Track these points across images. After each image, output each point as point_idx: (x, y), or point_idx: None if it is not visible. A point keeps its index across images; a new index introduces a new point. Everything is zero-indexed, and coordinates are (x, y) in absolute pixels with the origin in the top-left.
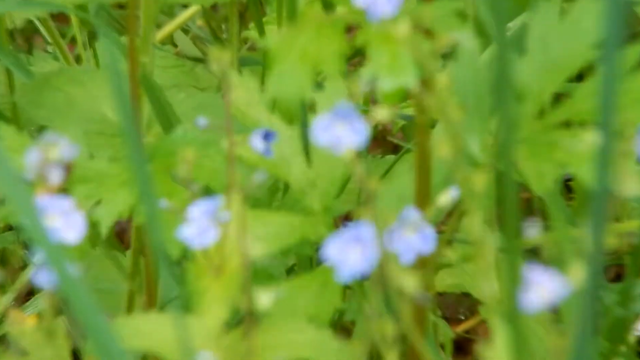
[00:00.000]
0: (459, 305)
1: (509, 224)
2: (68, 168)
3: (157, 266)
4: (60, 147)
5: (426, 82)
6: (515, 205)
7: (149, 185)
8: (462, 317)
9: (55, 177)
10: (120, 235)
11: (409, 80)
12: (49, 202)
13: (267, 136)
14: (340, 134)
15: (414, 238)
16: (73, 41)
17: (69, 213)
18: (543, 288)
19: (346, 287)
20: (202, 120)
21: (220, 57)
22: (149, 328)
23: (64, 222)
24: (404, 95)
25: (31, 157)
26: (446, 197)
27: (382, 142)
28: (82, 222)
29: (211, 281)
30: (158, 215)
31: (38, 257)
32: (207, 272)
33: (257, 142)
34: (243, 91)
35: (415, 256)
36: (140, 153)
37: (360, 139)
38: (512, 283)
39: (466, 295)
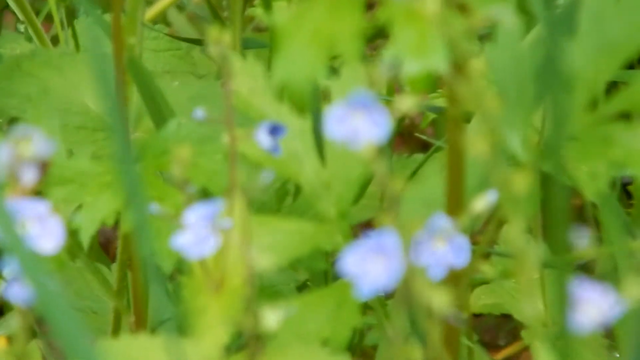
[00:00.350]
0: (498, 329)
1: (556, 234)
2: (43, 167)
3: (147, 281)
4: (34, 142)
5: (459, 68)
6: (563, 212)
7: (137, 187)
8: (502, 343)
9: (29, 177)
10: (105, 246)
11: (439, 64)
12: (21, 205)
13: (275, 130)
14: (358, 126)
15: (444, 250)
16: (49, 19)
17: (45, 219)
18: (594, 307)
19: (366, 306)
20: (199, 113)
21: (220, 39)
22: (138, 353)
23: (40, 228)
24: (433, 83)
25: (0, 154)
26: (482, 203)
27: (408, 139)
28: (61, 229)
29: (210, 299)
30: (148, 222)
31: (10, 268)
32: (205, 288)
33: (262, 137)
34: (246, 78)
35: (445, 271)
36: (127, 150)
37: (381, 132)
38: (560, 303)
39: (507, 317)
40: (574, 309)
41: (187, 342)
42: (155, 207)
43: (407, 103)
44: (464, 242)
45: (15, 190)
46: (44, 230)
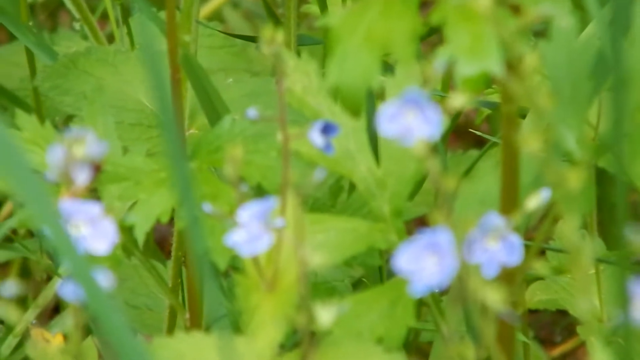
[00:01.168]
0: (554, 325)
1: (612, 230)
2: (97, 167)
3: (201, 279)
4: (87, 143)
5: (513, 66)
6: (620, 208)
7: (189, 185)
8: (558, 339)
9: (82, 177)
10: (160, 243)
11: (493, 64)
12: (74, 206)
13: (328, 129)
14: (411, 124)
15: (497, 248)
16: (104, 17)
17: (98, 219)
18: None
19: (421, 304)
20: (253, 111)
21: (273, 37)
22: (192, 351)
23: (92, 229)
24: (486, 82)
25: (54, 155)
26: (536, 200)
27: (463, 135)
28: (113, 230)
29: (263, 296)
30: (200, 219)
31: (63, 267)
32: (259, 286)
33: (316, 136)
34: (300, 76)
35: (498, 269)
36: (179, 148)
37: (433, 130)
38: (617, 298)
39: (563, 313)
40: (631, 305)
41: (241, 340)
42: (208, 205)
43: (460, 100)
44: (517, 240)
45: (68, 191)
46: (97, 231)
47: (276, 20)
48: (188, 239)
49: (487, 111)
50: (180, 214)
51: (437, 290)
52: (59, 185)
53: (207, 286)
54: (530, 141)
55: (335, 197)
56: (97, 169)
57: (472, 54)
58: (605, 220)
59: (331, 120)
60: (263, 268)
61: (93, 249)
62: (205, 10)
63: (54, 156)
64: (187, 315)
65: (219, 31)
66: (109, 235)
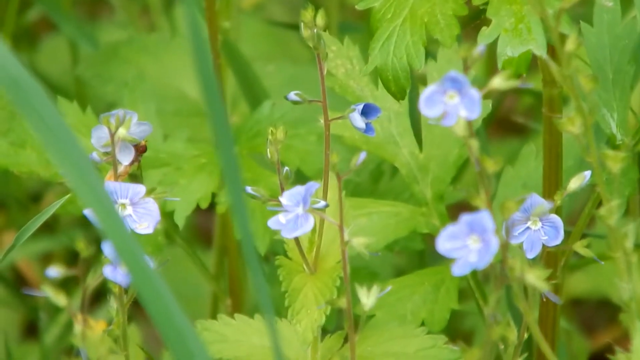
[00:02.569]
0: (598, 313)
1: None
2: (141, 148)
3: (244, 264)
4: (131, 125)
5: (554, 49)
6: None
7: (235, 171)
8: (602, 327)
9: (127, 158)
10: (203, 231)
11: (537, 45)
12: (119, 187)
13: (369, 111)
14: (452, 106)
15: (538, 229)
16: (145, 6)
17: (142, 199)
18: None
19: (466, 290)
20: (293, 94)
21: (313, 22)
22: (234, 333)
23: (137, 209)
24: (527, 64)
25: (99, 135)
26: (577, 182)
27: (505, 123)
28: (157, 210)
29: (306, 279)
30: (244, 205)
31: (109, 250)
32: (301, 269)
33: (357, 118)
34: (343, 61)
35: (540, 250)
36: (226, 134)
37: (474, 112)
38: None
39: (607, 302)
40: None
41: (283, 323)
42: (250, 189)
43: (499, 82)
44: (558, 221)
45: (113, 173)
46: (141, 211)
47: (318, 8)
48: (233, 222)
49: (529, 98)
50: (221, 200)
51: (478, 271)
52: (103, 167)
53: (251, 271)
54: (571, 125)
55: (376, 182)
56: (141, 149)
57: (515, 35)
58: None
59: (371, 103)
60: (305, 251)
61: (138, 229)
62: None
63: (98, 136)
64: (229, 302)
65: (261, 18)
66: (153, 214)
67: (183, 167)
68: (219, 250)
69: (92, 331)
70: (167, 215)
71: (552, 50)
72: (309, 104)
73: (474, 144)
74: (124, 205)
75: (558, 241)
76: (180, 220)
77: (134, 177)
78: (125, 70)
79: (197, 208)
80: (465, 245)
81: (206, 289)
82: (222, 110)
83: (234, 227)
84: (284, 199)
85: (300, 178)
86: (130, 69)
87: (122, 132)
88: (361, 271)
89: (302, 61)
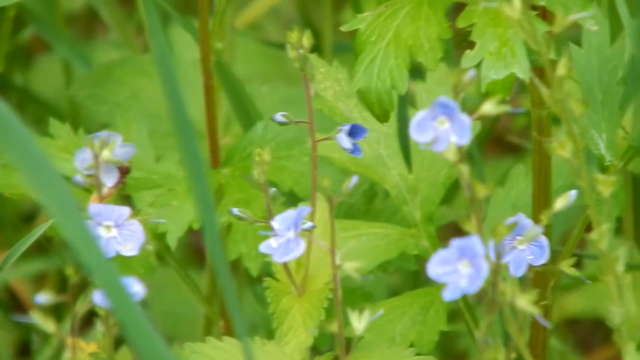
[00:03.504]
0: (593, 333)
1: None
2: (124, 170)
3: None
4: (115, 147)
5: (542, 71)
6: None
7: (207, 193)
8: (597, 347)
9: (111, 180)
10: (198, 251)
11: (521, 72)
12: (104, 209)
13: (356, 132)
14: (441, 131)
15: (526, 248)
16: (140, 27)
17: (127, 221)
18: None
19: (457, 311)
20: (280, 115)
21: (300, 43)
22: (224, 357)
23: (121, 231)
24: (511, 87)
25: (82, 158)
26: (563, 202)
27: (502, 143)
28: (141, 232)
29: (294, 301)
30: (234, 225)
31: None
32: (290, 291)
33: (343, 139)
34: (332, 83)
35: (527, 268)
36: (196, 155)
37: (464, 137)
38: None
39: (603, 321)
40: None
41: (271, 344)
42: (240, 210)
43: (491, 109)
44: (543, 241)
45: (97, 195)
46: (125, 233)
47: (313, 28)
48: (207, 246)
49: (523, 120)
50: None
51: (469, 296)
52: (89, 189)
53: (237, 293)
54: (562, 149)
55: (369, 202)
56: (125, 171)
57: (499, 58)
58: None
59: (357, 123)
60: (293, 273)
61: (122, 251)
62: (243, 18)
63: (82, 159)
64: (222, 323)
65: (256, 39)
66: (138, 236)
67: (175, 188)
68: (212, 271)
69: (83, 354)
70: (160, 236)
71: (541, 73)
72: (301, 125)
73: (465, 169)
74: (108, 227)
75: (543, 260)
76: (172, 241)
77: (125, 198)
78: (119, 90)
79: (192, 228)
80: (456, 270)
81: (200, 310)
82: (190, 132)
83: (226, 248)
84: (275, 223)
85: (293, 199)
86: (124, 89)
87: (106, 154)
88: (355, 292)
89: (299, 82)
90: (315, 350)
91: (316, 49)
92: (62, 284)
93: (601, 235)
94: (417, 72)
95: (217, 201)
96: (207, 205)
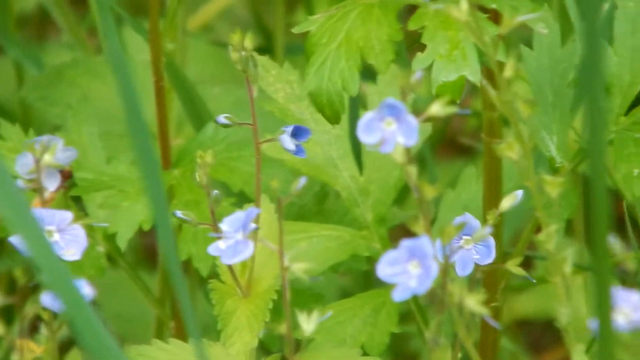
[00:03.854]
0: (545, 334)
1: (596, 238)
2: (66, 174)
3: (179, 287)
4: (56, 150)
5: (492, 74)
6: (604, 215)
7: (162, 194)
8: (549, 347)
9: (52, 185)
10: (150, 252)
11: (470, 71)
12: (45, 213)
13: (300, 133)
14: (389, 132)
15: (471, 249)
16: (93, 29)
17: (69, 226)
18: (631, 309)
19: (409, 310)
20: (222, 118)
21: (242, 44)
22: (170, 358)
23: (64, 236)
24: (461, 89)
25: (23, 163)
26: (509, 202)
27: (454, 144)
28: (84, 236)
29: (239, 302)
30: (184, 227)
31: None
32: (235, 292)
33: (286, 141)
34: (283, 85)
35: (472, 268)
36: (151, 156)
37: (411, 138)
38: (599, 306)
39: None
40: (614, 312)
41: (217, 346)
42: (186, 212)
43: (439, 110)
44: (490, 240)
45: (39, 200)
46: (68, 238)
47: (265, 30)
48: (160, 247)
49: (475, 122)
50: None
51: (420, 297)
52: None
53: (187, 294)
54: (510, 150)
55: (320, 204)
56: (66, 175)
57: (450, 61)
58: (591, 227)
59: (302, 125)
60: (238, 274)
61: (65, 256)
62: (195, 20)
63: (23, 163)
64: (173, 325)
65: (208, 41)
66: (80, 241)
67: (126, 189)
68: (164, 272)
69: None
70: (110, 237)
71: (491, 75)
72: (247, 127)
73: (412, 170)
74: (50, 232)
75: (490, 260)
76: (122, 242)
77: (76, 200)
78: (70, 92)
79: (143, 230)
80: (406, 271)
81: (151, 312)
82: (145, 133)
83: (178, 249)
84: (224, 225)
85: (243, 200)
86: (76, 91)
87: (47, 158)
88: (305, 293)
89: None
90: (266, 351)
91: (268, 50)
92: (11, 286)
93: (549, 236)
94: (369, 74)
95: (168, 202)
96: (160, 206)
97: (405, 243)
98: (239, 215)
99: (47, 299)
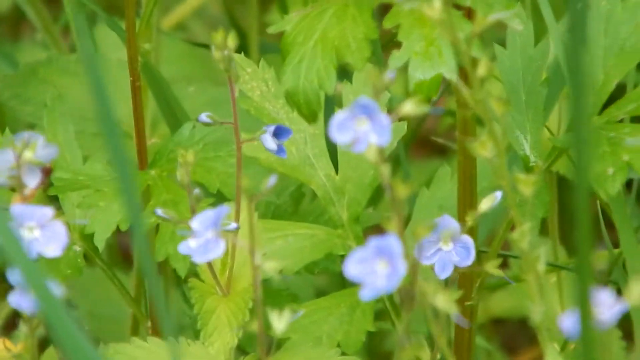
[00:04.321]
0: (520, 333)
1: (572, 237)
2: (47, 171)
3: (164, 286)
4: (37, 148)
5: (466, 72)
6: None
7: (134, 193)
8: (524, 346)
9: (33, 181)
10: (127, 251)
11: (446, 69)
12: (26, 210)
13: (281, 133)
14: (362, 131)
15: (450, 250)
16: (67, 27)
17: (50, 223)
18: (605, 308)
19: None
20: (204, 116)
21: (224, 43)
22: (148, 357)
23: (44, 233)
24: (438, 86)
25: (3, 159)
26: (488, 203)
27: (428, 143)
28: (64, 233)
29: (218, 301)
30: (162, 226)
31: (15, 276)
32: (214, 291)
33: (268, 140)
34: (258, 83)
35: (452, 270)
36: (123, 155)
37: (383, 137)
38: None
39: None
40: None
41: (196, 345)
42: (165, 211)
43: (411, 107)
44: (469, 242)
45: (19, 196)
46: (48, 235)
47: (240, 30)
48: (135, 247)
49: (449, 119)
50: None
51: (387, 295)
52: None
53: (165, 293)
54: (483, 148)
55: (296, 203)
56: (47, 172)
57: (426, 59)
58: (567, 226)
59: (283, 124)
60: (218, 273)
61: (45, 253)
62: (169, 19)
63: (3, 160)
64: (149, 324)
65: (182, 40)
66: (61, 238)
67: (103, 189)
68: (140, 271)
69: (9, 355)
70: (87, 237)
71: (465, 74)
72: (229, 126)
73: (385, 169)
74: (31, 228)
75: (469, 262)
76: (99, 242)
77: (52, 199)
78: (44, 91)
79: (119, 229)
80: (374, 270)
81: (127, 311)
82: (117, 133)
83: (156, 249)
84: (194, 223)
85: (221, 200)
86: (50, 89)
87: (28, 155)
88: (281, 293)
89: (225, 82)
90: (241, 351)
91: (242, 49)
92: None
93: (522, 234)
94: (344, 73)
95: (145, 202)
96: (134, 206)
97: (373, 242)
98: (209, 213)
99: (15, 298)
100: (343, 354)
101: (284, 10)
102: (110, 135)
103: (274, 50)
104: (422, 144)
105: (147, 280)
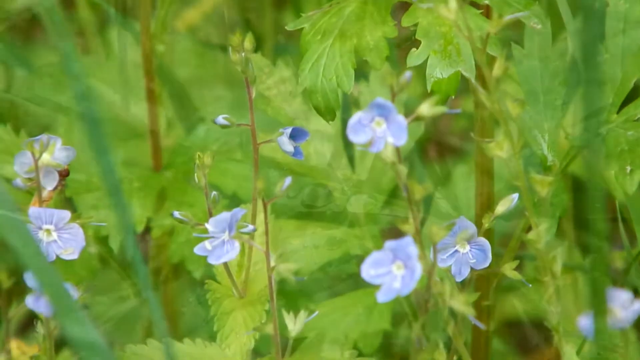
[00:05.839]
0: (534, 334)
1: (588, 237)
2: (64, 173)
3: (178, 288)
4: (55, 150)
5: (482, 72)
6: (596, 215)
7: (121, 195)
8: (539, 348)
9: (50, 184)
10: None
11: (466, 68)
12: (43, 212)
13: (298, 135)
14: (379, 133)
15: (467, 253)
16: (81, 29)
17: (67, 225)
18: (621, 308)
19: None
20: (220, 119)
21: (242, 45)
22: (161, 358)
23: (62, 235)
24: (456, 85)
25: (21, 161)
26: (506, 205)
27: (444, 144)
28: (82, 236)
29: (235, 303)
30: (177, 228)
31: (31, 281)
32: (231, 293)
33: (285, 142)
34: (276, 83)
35: (469, 271)
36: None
37: (401, 138)
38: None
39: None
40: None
41: (213, 347)
42: (177, 214)
43: (429, 110)
44: (485, 244)
45: (37, 198)
46: (66, 237)
47: (253, 30)
48: (126, 249)
49: (464, 121)
50: (156, 223)
51: (403, 297)
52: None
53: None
54: (499, 149)
55: (313, 203)
56: (64, 174)
57: (444, 57)
58: (583, 228)
59: (300, 126)
60: (235, 275)
61: (63, 255)
62: (185, 21)
63: (22, 162)
64: (166, 324)
65: (197, 42)
66: (79, 240)
67: None
68: (154, 273)
69: (25, 356)
70: (102, 239)
71: (481, 74)
72: (243, 128)
73: (402, 169)
74: (49, 230)
75: (486, 264)
76: (115, 244)
77: (67, 201)
78: (59, 92)
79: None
80: (390, 272)
81: (138, 313)
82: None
83: (171, 252)
84: (209, 226)
85: (236, 202)
86: (65, 91)
87: (46, 157)
88: (296, 294)
89: (238, 84)
90: (257, 352)
91: (256, 50)
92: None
93: (539, 235)
94: (362, 74)
95: (160, 204)
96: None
97: (389, 244)
98: (224, 215)
99: (31, 301)
100: (360, 354)
101: (298, 10)
102: (95, 141)
103: (287, 51)
104: (438, 144)
105: (139, 281)
